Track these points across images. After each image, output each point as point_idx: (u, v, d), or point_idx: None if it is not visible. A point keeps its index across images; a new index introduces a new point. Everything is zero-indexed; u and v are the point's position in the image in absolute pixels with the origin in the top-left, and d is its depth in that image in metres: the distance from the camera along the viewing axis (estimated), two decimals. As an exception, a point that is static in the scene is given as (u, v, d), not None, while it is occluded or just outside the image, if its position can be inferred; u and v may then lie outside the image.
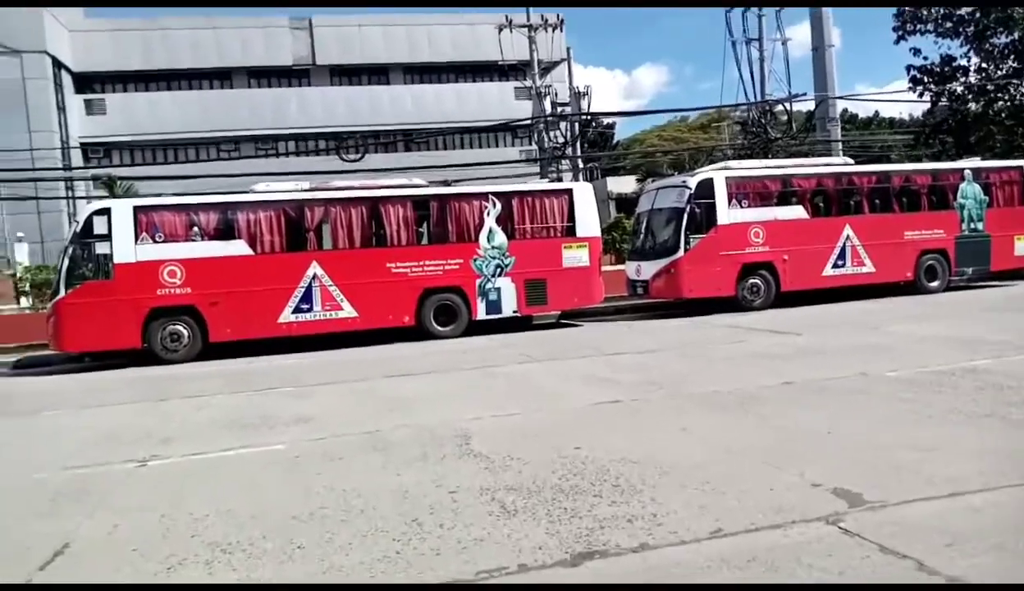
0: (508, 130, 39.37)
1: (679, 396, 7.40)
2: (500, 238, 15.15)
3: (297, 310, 14.15)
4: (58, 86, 36.73)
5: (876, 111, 67.83)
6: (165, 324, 13.61)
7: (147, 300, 13.50)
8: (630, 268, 17.38)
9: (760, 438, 5.63)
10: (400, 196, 14.88)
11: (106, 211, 13.47)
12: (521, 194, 15.56)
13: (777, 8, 31.11)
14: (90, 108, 37.96)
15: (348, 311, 14.36)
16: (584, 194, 15.78)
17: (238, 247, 13.99)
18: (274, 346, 14.31)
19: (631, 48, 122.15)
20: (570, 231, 15.57)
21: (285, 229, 14.25)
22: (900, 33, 27.13)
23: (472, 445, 6.01)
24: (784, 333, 11.91)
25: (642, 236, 17.36)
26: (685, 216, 15.85)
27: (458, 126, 33.33)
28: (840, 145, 32.04)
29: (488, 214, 15.12)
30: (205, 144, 37.77)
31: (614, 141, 64.07)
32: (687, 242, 15.83)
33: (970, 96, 25.56)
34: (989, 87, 24.76)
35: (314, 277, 14.19)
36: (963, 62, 25.77)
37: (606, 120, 59.54)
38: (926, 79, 26.42)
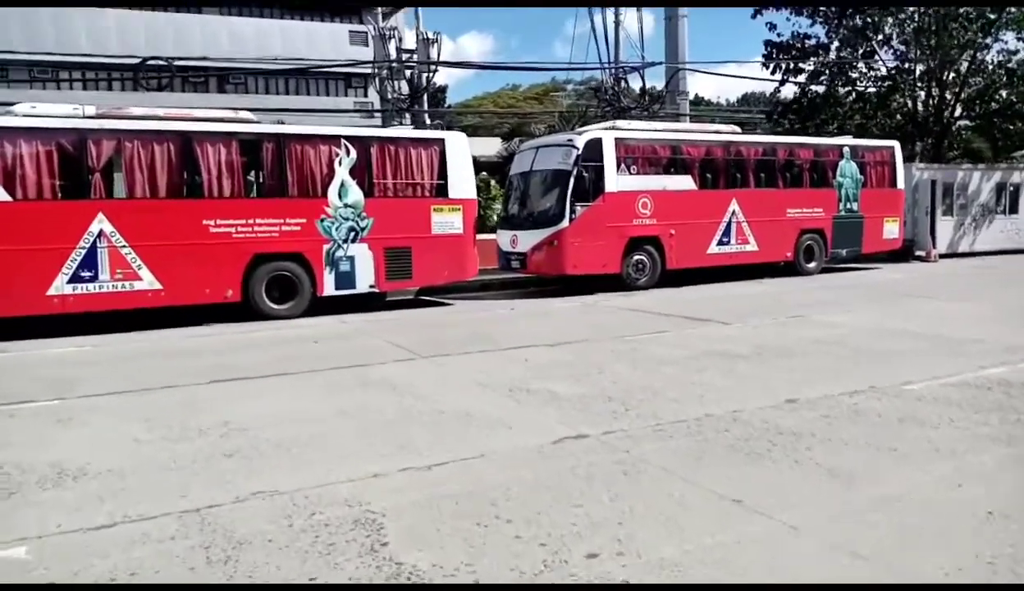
0: (344, 76, 35.53)
1: (667, 427, 5.10)
2: (355, 194, 12.15)
3: (75, 279, 10.44)
4: None
5: (696, 93, 70.32)
6: None
7: None
8: (503, 238, 14.99)
9: (898, 529, 3.42)
10: (223, 132, 11.42)
11: None
12: (382, 141, 12.60)
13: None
14: None
15: (149, 281, 10.83)
16: (458, 146, 13.09)
17: (-12, 189, 10.02)
18: (42, 327, 10.51)
19: (456, 15, 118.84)
20: (441, 190, 12.86)
21: (59, 168, 10.43)
22: (757, 8, 26.58)
23: (393, 546, 3.35)
24: (704, 321, 10.06)
25: (518, 202, 15.01)
26: (571, 180, 13.65)
27: (285, 66, 28.99)
28: (688, 119, 31.59)
29: (340, 163, 12.06)
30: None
31: (446, 105, 61.37)
32: (572, 211, 13.67)
33: (823, 77, 25.43)
34: (849, 72, 24.72)
35: (100, 234, 10.51)
36: (816, 41, 25.64)
37: (438, 82, 56.68)
38: (781, 56, 26.08)
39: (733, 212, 15.52)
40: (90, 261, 10.50)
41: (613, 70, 27.80)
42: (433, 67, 25.05)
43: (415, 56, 26.56)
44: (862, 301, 11.81)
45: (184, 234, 11.00)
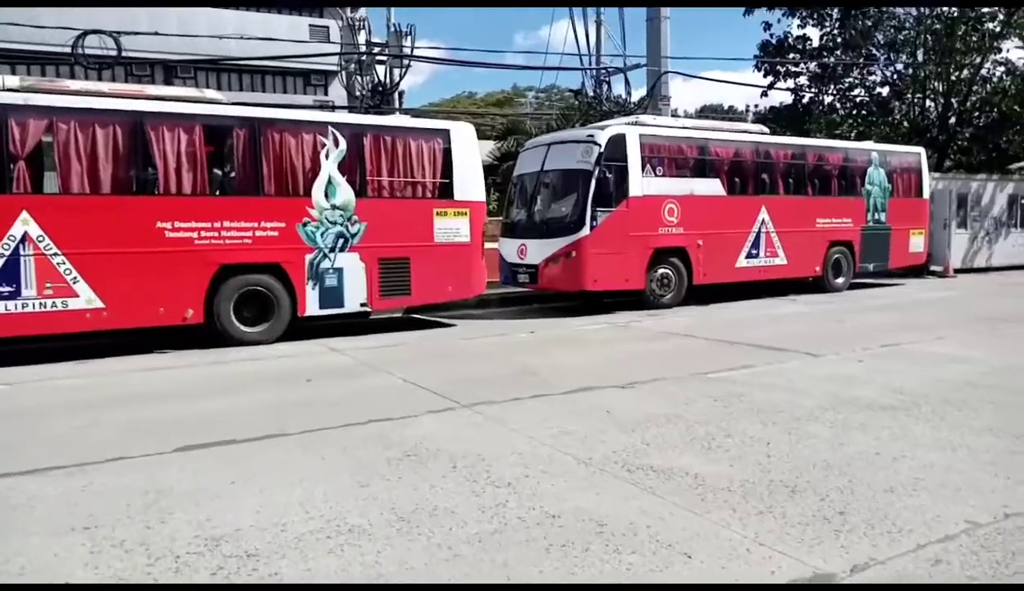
0: (303, 73, 33.15)
1: (942, 554, 3.21)
2: (345, 193, 10.07)
3: (-9, 295, 8.13)
4: None
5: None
6: None
7: None
8: (508, 248, 13.01)
9: None
10: (184, 114, 9.22)
11: None
12: (377, 130, 10.51)
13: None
14: None
15: (87, 299, 8.56)
16: (464, 139, 11.10)
17: None
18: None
19: (407, 20, 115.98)
20: (445, 191, 10.86)
21: (-32, 154, 8.12)
22: (748, 7, 25.26)
23: None
24: (786, 351, 8.25)
25: (526, 207, 13.04)
26: (593, 182, 11.79)
27: (249, 61, 26.34)
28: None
29: (327, 156, 9.97)
30: None
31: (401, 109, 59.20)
32: (593, 217, 11.80)
33: (822, 83, 24.15)
34: (843, 78, 23.49)
35: (24, 239, 8.23)
36: (813, 46, 24.42)
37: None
38: (777, 58, 24.77)
39: (763, 221, 13.87)
40: (10, 273, 8.20)
41: (594, 73, 26.21)
42: (406, 62, 22.95)
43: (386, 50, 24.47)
44: (944, 325, 10.17)
45: (133, 240, 8.77)
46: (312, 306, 9.96)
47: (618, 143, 12.06)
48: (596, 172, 11.78)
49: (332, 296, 10.07)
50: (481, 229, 11.18)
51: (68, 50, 16.68)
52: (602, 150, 11.83)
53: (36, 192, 8.54)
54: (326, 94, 34.31)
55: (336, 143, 10.03)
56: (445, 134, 10.93)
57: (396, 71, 23.29)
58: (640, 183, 12.28)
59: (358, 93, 23.82)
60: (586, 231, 11.73)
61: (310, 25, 32.86)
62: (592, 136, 12.09)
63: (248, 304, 9.60)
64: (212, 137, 9.47)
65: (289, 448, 4.98)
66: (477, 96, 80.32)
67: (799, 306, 13.12)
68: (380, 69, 24.10)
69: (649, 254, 12.46)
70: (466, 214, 10.95)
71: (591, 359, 8.34)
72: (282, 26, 32.67)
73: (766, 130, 15.31)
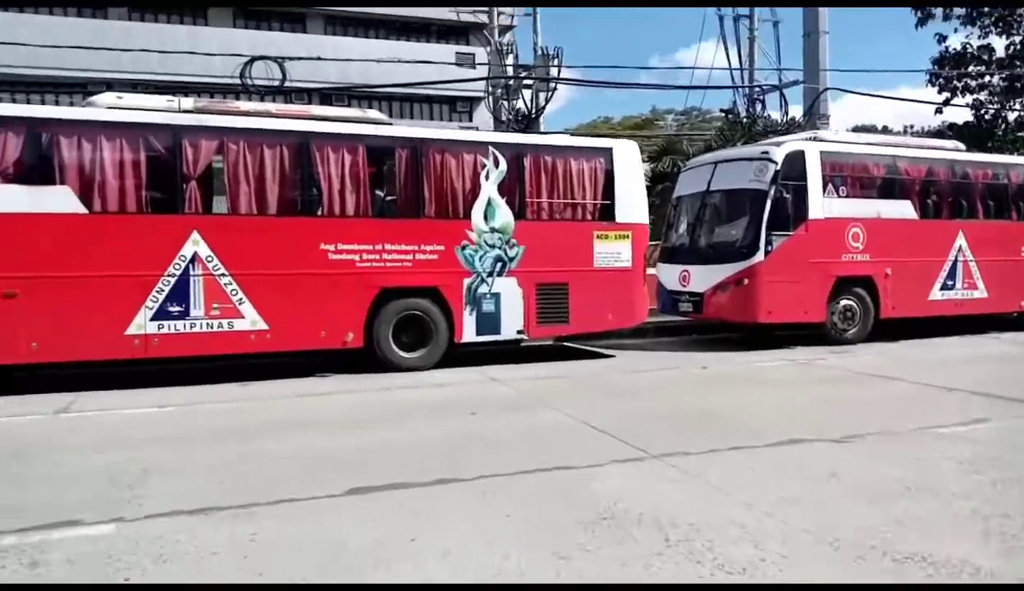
0: (449, 100, 33.70)
1: None
2: (504, 216, 9.62)
3: (162, 314, 8.19)
4: None
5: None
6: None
7: None
8: (669, 274, 12.13)
9: None
10: (349, 135, 9.08)
11: None
12: (538, 149, 10.03)
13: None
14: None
15: (252, 320, 8.49)
16: (628, 158, 10.42)
17: (67, 200, 7.90)
18: (119, 376, 8.34)
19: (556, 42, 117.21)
20: (606, 212, 10.21)
21: (147, 175, 8.25)
22: (921, 15, 23.24)
23: None
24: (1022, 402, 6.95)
25: (690, 230, 12.14)
26: (768, 203, 10.78)
27: (400, 88, 26.91)
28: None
29: (487, 177, 9.56)
30: (68, 86, 29.82)
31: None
32: (768, 241, 10.77)
33: (1012, 95, 21.78)
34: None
35: (194, 259, 8.27)
36: (998, 53, 22.14)
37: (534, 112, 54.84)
38: (954, 71, 22.60)
39: (959, 249, 12.28)
40: (181, 292, 8.25)
41: (746, 91, 24.88)
42: (552, 85, 22.56)
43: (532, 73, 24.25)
44: None
45: (297, 261, 8.67)
46: (469, 332, 9.53)
47: (796, 160, 10.99)
48: (771, 192, 10.76)
49: (489, 322, 9.60)
50: (643, 253, 10.45)
51: (234, 78, 17.40)
52: (778, 168, 10.80)
53: (206, 212, 8.61)
54: (471, 120, 34.73)
55: (496, 163, 9.60)
56: (607, 153, 10.29)
57: (542, 95, 22.98)
58: (821, 204, 11.12)
59: (504, 118, 23.70)
60: (760, 257, 10.71)
61: (456, 53, 33.40)
62: (767, 153, 11.07)
63: (405, 329, 9.30)
64: (375, 158, 9.29)
65: (466, 497, 4.42)
66: (614, 120, 79.76)
67: (1006, 345, 11.47)
68: (525, 93, 23.91)
69: (831, 283, 11.24)
70: (628, 237, 10.24)
71: (781, 402, 7.35)
72: (431, 53, 33.46)
73: (961, 146, 13.68)
